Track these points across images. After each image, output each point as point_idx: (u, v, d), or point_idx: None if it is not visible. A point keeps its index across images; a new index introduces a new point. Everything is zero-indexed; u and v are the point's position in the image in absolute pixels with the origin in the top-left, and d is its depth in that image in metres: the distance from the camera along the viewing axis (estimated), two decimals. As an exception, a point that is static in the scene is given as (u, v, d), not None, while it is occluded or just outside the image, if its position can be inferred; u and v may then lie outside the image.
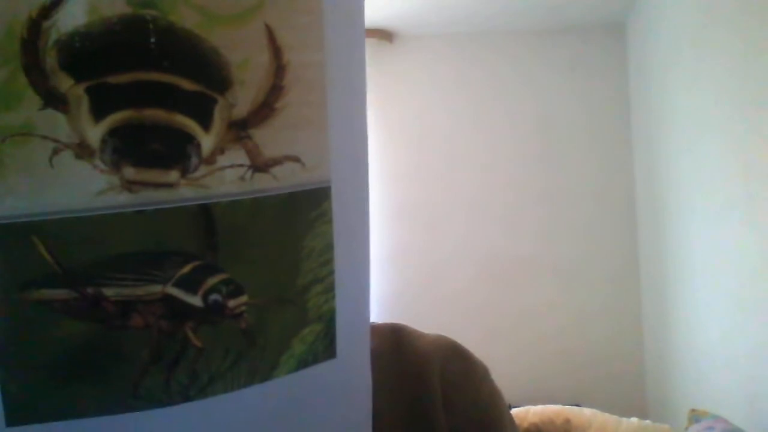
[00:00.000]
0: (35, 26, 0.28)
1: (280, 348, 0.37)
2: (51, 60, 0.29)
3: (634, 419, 2.03)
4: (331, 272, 0.37)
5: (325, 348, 0.39)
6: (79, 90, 0.29)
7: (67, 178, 0.30)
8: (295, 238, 0.36)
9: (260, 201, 0.34)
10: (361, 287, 0.41)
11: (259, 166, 0.33)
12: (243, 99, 0.32)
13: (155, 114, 0.30)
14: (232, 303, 0.34)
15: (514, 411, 2.09)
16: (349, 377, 0.42)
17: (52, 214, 0.30)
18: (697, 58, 2.21)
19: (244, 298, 0.34)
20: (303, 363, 0.38)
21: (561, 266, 3.15)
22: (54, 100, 0.29)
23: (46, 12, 0.28)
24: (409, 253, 3.17)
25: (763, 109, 1.70)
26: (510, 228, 3.17)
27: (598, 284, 3.12)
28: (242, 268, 0.34)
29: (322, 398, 0.40)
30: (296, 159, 0.34)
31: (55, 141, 0.29)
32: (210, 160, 0.32)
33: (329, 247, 0.37)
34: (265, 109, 0.33)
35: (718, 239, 2.06)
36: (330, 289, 0.38)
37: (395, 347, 0.51)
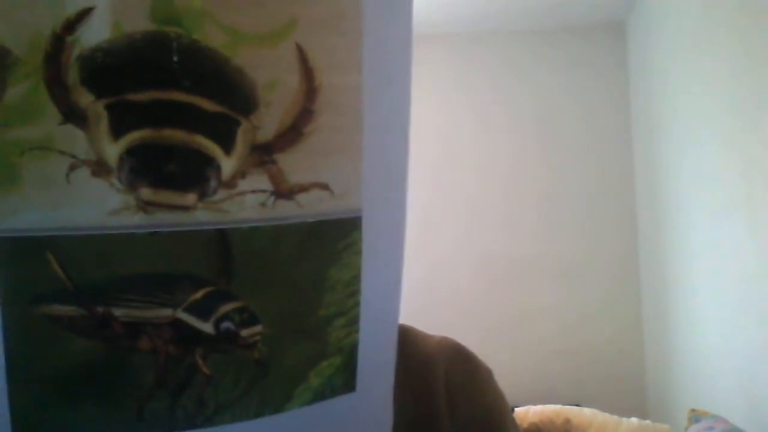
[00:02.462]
0: (59, 41, 0.28)
1: (296, 380, 0.35)
2: (73, 75, 0.28)
3: (634, 419, 2.04)
4: (357, 304, 0.36)
5: (345, 381, 0.37)
6: (99, 106, 0.29)
7: (83, 195, 0.29)
8: (318, 269, 0.34)
9: (282, 228, 0.32)
10: (389, 319, 0.39)
11: (283, 192, 0.32)
12: (269, 122, 0.31)
13: (174, 134, 0.29)
14: (245, 332, 0.33)
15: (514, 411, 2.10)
16: (368, 411, 0.40)
17: (66, 230, 0.29)
18: (697, 58, 2.21)
19: (258, 328, 0.33)
20: (319, 396, 0.36)
21: (561, 266, 3.15)
22: (74, 115, 0.28)
23: (71, 26, 0.28)
24: (408, 253, 3.15)
25: (763, 109, 1.70)
26: (509, 228, 3.17)
27: (598, 284, 3.11)
28: (258, 296, 0.33)
29: None
30: (324, 186, 0.32)
31: (73, 157, 0.29)
32: (230, 184, 0.31)
33: (356, 279, 0.35)
34: (292, 134, 0.31)
35: (718, 239, 2.06)
36: (354, 322, 0.36)
37: (400, 348, 0.51)
